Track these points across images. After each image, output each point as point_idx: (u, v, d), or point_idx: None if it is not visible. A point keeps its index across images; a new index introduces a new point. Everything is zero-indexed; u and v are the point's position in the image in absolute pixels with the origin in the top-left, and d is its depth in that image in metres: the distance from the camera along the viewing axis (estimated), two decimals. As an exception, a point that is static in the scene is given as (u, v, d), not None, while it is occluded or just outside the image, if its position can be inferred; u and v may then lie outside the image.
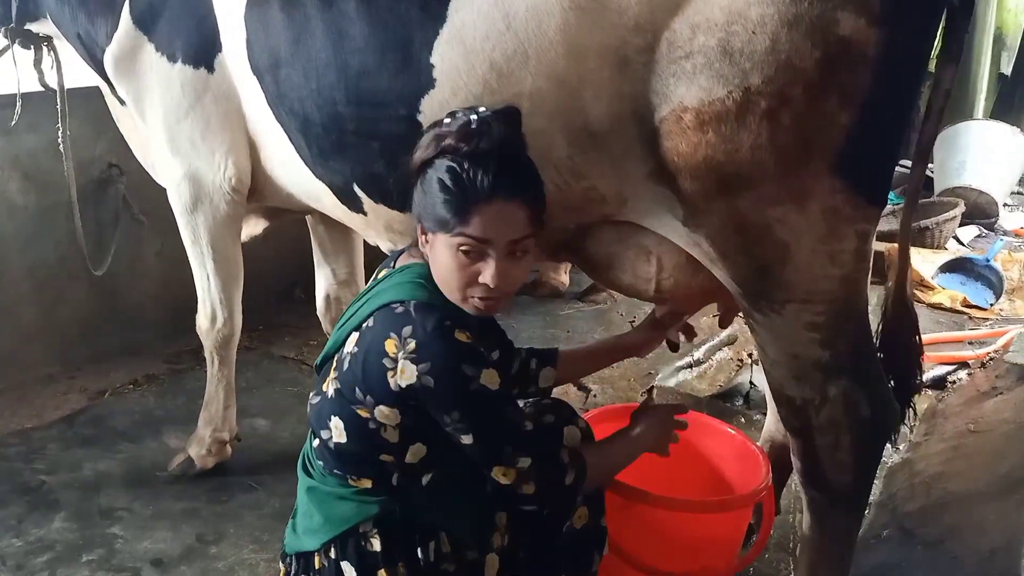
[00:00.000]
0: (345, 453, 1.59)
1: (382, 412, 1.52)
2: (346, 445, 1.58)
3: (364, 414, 1.54)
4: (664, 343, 2.13)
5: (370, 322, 1.55)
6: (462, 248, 1.50)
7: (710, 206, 1.64)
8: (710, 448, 2.21)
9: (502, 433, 1.55)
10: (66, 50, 2.72)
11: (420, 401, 1.50)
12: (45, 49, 2.77)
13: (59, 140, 2.92)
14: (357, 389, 1.53)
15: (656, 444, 1.83)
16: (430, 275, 1.59)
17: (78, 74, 2.85)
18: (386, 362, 1.49)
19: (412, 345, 1.47)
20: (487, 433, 1.53)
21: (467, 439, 1.52)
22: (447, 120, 1.55)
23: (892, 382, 1.88)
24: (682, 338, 2.13)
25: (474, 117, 1.51)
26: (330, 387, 1.60)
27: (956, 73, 1.71)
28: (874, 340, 1.81)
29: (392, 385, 1.49)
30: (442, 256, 1.53)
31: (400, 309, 1.52)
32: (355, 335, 1.58)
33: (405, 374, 1.47)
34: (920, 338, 1.95)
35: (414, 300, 1.53)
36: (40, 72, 2.81)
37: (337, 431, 1.58)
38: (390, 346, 1.49)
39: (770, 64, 1.49)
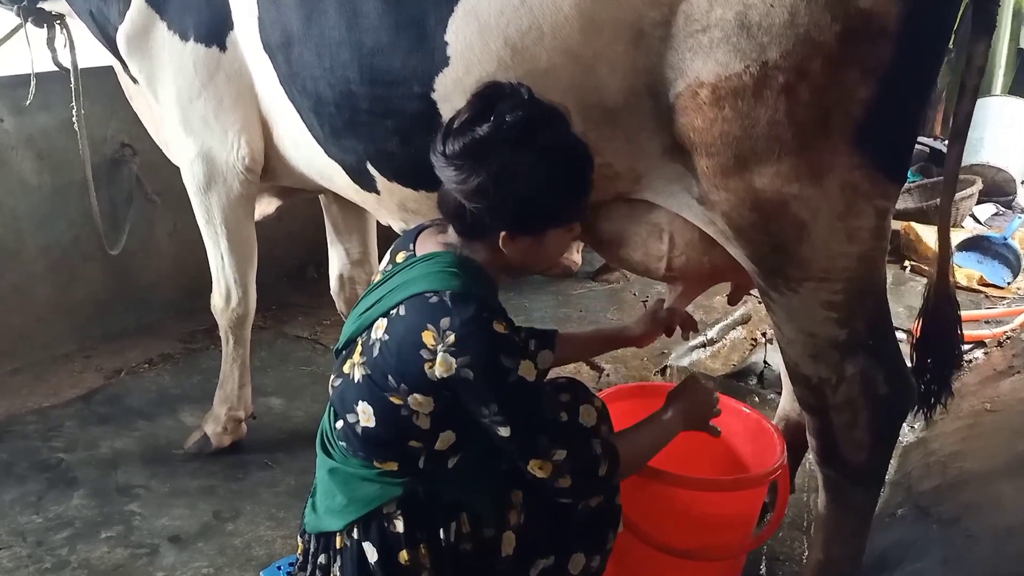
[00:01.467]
0: (372, 437, 1.58)
1: (416, 400, 1.51)
2: (374, 430, 1.57)
3: (397, 401, 1.53)
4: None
5: (400, 310, 1.52)
6: (575, 228, 1.58)
7: (726, 183, 1.62)
8: (725, 427, 2.19)
9: (539, 425, 1.53)
10: (79, 29, 2.71)
11: (457, 392, 1.49)
12: (58, 28, 2.77)
13: (73, 119, 2.92)
14: (390, 377, 1.51)
15: (690, 425, 1.78)
16: (463, 264, 1.56)
17: (91, 53, 2.85)
18: (423, 353, 1.47)
19: (452, 338, 1.45)
20: (524, 425, 1.51)
21: (504, 431, 1.50)
22: (500, 116, 1.45)
23: (928, 375, 1.92)
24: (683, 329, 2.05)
25: (537, 105, 1.48)
26: (356, 372, 1.58)
27: (989, 48, 1.68)
28: (892, 318, 1.79)
29: (430, 375, 1.48)
30: (555, 244, 1.58)
31: (435, 299, 1.49)
32: (383, 321, 1.54)
33: (443, 366, 1.46)
34: (962, 334, 1.97)
35: (450, 290, 1.49)
36: (53, 51, 2.81)
37: (365, 416, 1.57)
38: (428, 338, 1.46)
39: (788, 38, 1.47)
